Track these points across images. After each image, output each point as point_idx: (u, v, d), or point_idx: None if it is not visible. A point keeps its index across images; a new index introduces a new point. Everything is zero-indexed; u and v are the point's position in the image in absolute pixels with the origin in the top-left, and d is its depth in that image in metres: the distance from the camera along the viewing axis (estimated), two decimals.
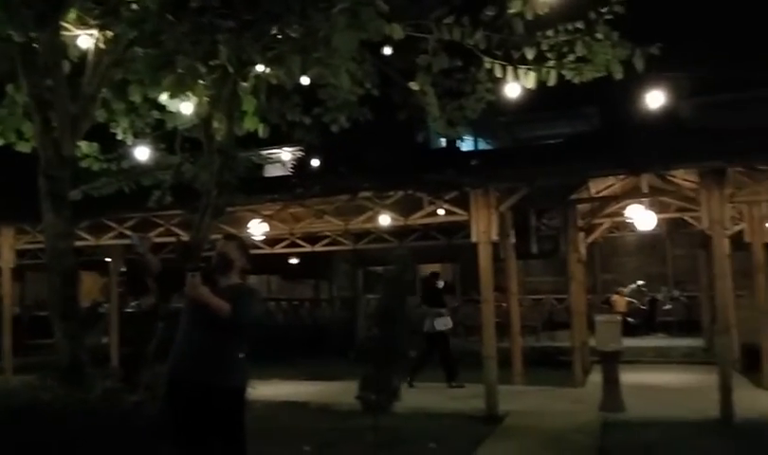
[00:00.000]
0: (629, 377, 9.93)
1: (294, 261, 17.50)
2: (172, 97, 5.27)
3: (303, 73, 5.14)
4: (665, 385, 9.99)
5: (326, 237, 11.65)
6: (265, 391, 9.39)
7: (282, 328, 16.82)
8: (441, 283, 10.66)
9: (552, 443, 6.56)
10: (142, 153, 7.32)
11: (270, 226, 9.97)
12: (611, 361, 7.90)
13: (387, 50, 5.45)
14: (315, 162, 9.98)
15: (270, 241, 11.56)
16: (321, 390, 10.19)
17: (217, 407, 3.74)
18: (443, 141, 15.85)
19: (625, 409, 7.77)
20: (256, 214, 9.78)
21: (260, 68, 5.65)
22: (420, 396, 9.01)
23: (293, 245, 11.62)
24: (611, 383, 7.86)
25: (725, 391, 7.14)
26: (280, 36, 5.41)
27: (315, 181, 8.70)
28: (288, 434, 7.14)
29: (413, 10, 5.65)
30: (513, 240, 10.62)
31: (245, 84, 5.87)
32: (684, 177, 8.71)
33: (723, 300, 7.46)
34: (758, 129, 8.43)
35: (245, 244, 4.23)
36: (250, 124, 6.31)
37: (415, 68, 6.00)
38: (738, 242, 9.86)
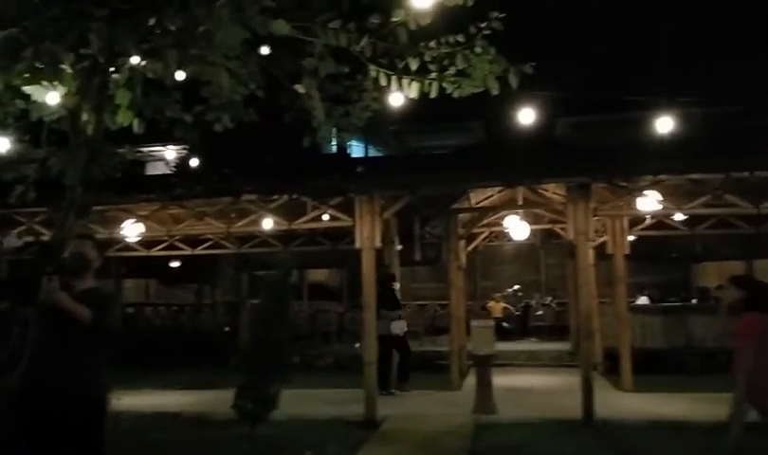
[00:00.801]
0: (502, 380, 10.38)
1: (175, 264, 16.79)
2: (26, 84, 4.88)
3: (180, 69, 4.92)
4: (534, 387, 10.53)
5: (208, 240, 11.26)
6: (135, 401, 8.93)
7: (160, 335, 16.08)
8: (397, 285, 10.35)
9: (426, 446, 6.71)
10: (3, 144, 6.72)
11: (147, 227, 9.49)
12: (484, 365, 8.22)
13: (265, 50, 5.33)
14: (194, 162, 9.61)
15: (147, 243, 11.02)
16: (198, 399, 9.81)
17: (74, 417, 3.49)
18: (334, 147, 15.88)
19: (497, 412, 8.09)
20: (131, 214, 9.28)
21: (135, 61, 5.36)
22: (300, 403, 8.91)
23: (172, 247, 11.13)
24: (484, 386, 8.17)
25: (587, 393, 7.63)
26: (158, 29, 5.17)
27: (196, 182, 8.38)
28: (155, 447, 6.81)
29: (300, 13, 5.61)
30: (398, 247, 10.83)
31: (117, 76, 5.54)
32: (554, 191, 9.25)
33: (586, 306, 7.98)
34: (622, 148, 9.15)
35: (98, 242, 4.00)
36: (124, 119, 5.94)
37: (303, 71, 5.96)
38: (602, 252, 10.62)
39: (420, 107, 6.44)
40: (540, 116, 9.18)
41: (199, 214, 9.07)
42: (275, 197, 8.31)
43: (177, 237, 10.48)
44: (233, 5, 4.45)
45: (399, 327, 9.98)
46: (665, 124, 7.53)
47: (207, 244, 11.28)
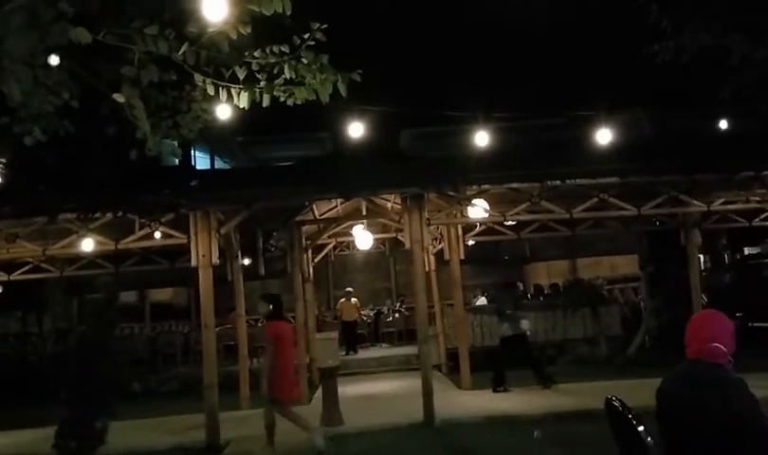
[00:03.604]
0: (351, 389, 10.44)
1: None
2: None
3: None
4: (382, 393, 10.67)
5: (28, 263, 10.16)
6: None
7: None
8: (521, 286, 10.11)
9: None
10: None
11: None
12: (329, 377, 8.19)
13: (54, 60, 4.91)
14: None
15: None
16: (20, 439, 8.83)
17: None
18: (175, 159, 15.15)
19: (343, 423, 8.08)
20: None
21: None
22: (137, 434, 8.33)
23: None
24: (330, 398, 8.13)
25: (427, 396, 7.86)
26: None
27: (5, 200, 7.55)
28: None
29: (112, 19, 5.24)
30: (244, 261, 10.51)
31: None
32: (394, 201, 9.48)
33: (421, 312, 8.20)
34: (453, 159, 9.59)
35: None
36: None
37: (122, 80, 5.58)
38: (443, 258, 11.05)
39: (269, 118, 6.30)
40: (385, 127, 9.37)
41: (10, 236, 8.14)
42: (97, 215, 7.66)
43: None
44: (26, 10, 4.03)
45: (527, 325, 9.98)
46: (484, 137, 8.01)
47: (26, 268, 10.15)
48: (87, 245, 7.82)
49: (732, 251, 17.50)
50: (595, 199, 8.47)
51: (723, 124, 10.52)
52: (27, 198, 7.52)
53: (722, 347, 2.77)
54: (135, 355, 13.57)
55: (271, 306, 6.74)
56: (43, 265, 10.27)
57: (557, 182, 7.89)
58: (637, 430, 2.86)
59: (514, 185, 8.10)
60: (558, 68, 15.42)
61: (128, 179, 8.23)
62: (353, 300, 15.89)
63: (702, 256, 14.83)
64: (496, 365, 9.76)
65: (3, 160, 15.22)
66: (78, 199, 7.26)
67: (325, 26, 5.31)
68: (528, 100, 13.98)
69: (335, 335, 8.75)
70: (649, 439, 2.80)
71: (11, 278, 10.17)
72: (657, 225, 11.19)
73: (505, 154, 8.35)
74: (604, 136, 7.58)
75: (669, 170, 8.11)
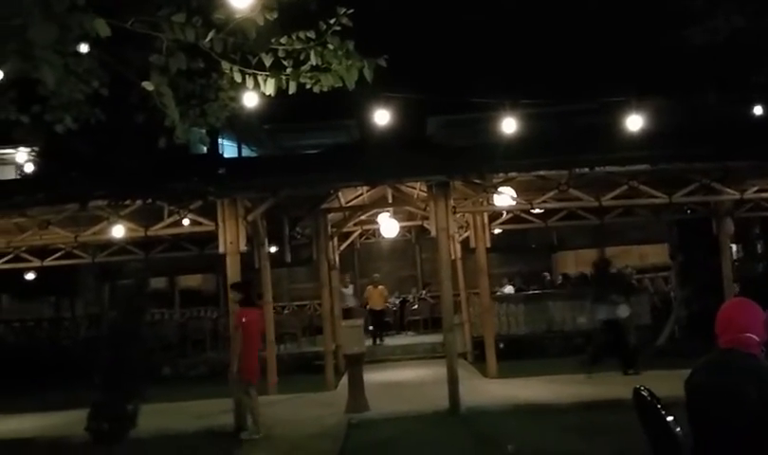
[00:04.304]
0: (377, 376, 10.47)
1: (29, 276, 15.45)
2: None
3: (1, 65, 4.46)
4: (407, 381, 10.70)
5: (60, 250, 10.39)
6: None
7: (13, 354, 14.77)
8: (615, 270, 10.13)
9: (294, 451, 6.61)
10: None
11: None
12: (355, 364, 8.23)
13: (84, 48, 4.96)
14: (29, 166, 8.76)
15: None
16: (56, 422, 9.06)
17: None
18: (204, 147, 15.33)
19: (369, 409, 8.12)
20: None
21: None
22: (167, 418, 8.48)
23: (19, 259, 10.16)
24: (355, 385, 8.18)
25: (452, 384, 7.85)
26: None
27: (39, 187, 7.72)
28: None
29: (138, 6, 5.29)
30: (270, 249, 10.60)
31: None
32: (420, 189, 9.44)
33: (447, 300, 8.17)
34: (480, 147, 9.50)
35: None
36: None
37: (151, 68, 5.64)
38: (470, 246, 10.98)
39: (295, 105, 6.32)
40: (412, 114, 9.29)
41: (43, 223, 8.32)
42: (127, 202, 7.79)
43: (23, 248, 9.57)
44: (42, 1, 4.09)
45: (624, 311, 9.76)
46: (512, 124, 7.91)
47: (58, 254, 10.39)
48: (118, 231, 7.96)
49: (765, 240, 17.09)
50: (625, 187, 8.32)
51: (758, 109, 10.22)
52: (58, 185, 7.67)
53: (755, 337, 2.72)
54: (164, 341, 13.81)
55: (242, 294, 7.25)
56: (75, 252, 10.50)
57: (586, 169, 7.77)
58: (666, 420, 2.82)
59: (541, 172, 8.01)
60: (588, 53, 15.14)
61: (157, 167, 8.33)
62: (380, 287, 15.76)
63: (734, 245, 14.53)
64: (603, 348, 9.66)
65: (35, 148, 15.63)
66: (108, 186, 7.38)
67: (351, 11, 5.29)
68: (557, 86, 13.77)
69: (360, 322, 8.80)
70: (678, 429, 2.76)
71: (44, 264, 10.42)
72: (688, 213, 10.97)
73: (533, 140, 8.23)
74: (634, 123, 7.43)
75: (701, 157, 7.91)
